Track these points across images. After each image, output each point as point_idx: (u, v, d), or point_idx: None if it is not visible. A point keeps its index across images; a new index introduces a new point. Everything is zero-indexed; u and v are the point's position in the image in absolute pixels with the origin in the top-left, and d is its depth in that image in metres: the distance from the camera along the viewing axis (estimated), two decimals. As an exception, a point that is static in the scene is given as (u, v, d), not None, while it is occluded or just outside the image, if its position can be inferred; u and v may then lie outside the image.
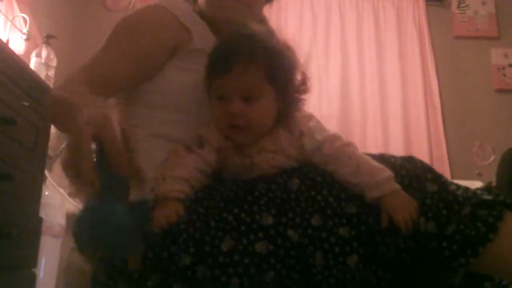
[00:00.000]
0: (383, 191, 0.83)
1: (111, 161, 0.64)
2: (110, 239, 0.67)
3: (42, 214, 1.70)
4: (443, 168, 2.84)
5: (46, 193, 1.83)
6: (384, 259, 0.80)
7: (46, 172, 1.92)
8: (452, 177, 2.77)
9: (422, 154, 2.82)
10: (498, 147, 2.76)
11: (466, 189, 0.86)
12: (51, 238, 1.85)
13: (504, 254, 0.80)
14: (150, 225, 0.80)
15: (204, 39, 1.02)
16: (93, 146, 0.65)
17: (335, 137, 0.91)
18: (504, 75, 3.10)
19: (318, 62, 2.95)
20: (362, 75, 3.06)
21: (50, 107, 0.86)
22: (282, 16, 3.14)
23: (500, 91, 3.08)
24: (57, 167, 2.44)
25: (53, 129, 2.10)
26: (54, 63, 2.30)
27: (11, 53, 1.59)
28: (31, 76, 1.65)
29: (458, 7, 3.23)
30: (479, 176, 2.84)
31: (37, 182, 1.66)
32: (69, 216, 1.94)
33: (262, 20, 1.14)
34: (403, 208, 0.81)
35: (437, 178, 0.86)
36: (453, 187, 0.86)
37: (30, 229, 1.61)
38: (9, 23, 2.24)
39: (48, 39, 2.33)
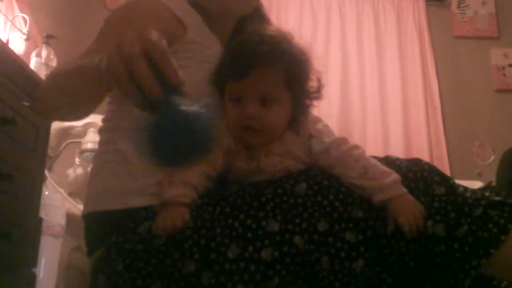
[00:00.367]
0: (389, 195, 0.83)
1: (164, 71, 0.61)
2: (188, 145, 0.62)
3: (42, 214, 1.70)
4: (443, 168, 2.84)
5: (46, 193, 1.83)
6: (388, 262, 0.80)
7: (46, 172, 1.92)
8: (452, 177, 2.76)
9: (422, 154, 2.82)
10: (498, 147, 2.76)
11: (474, 191, 0.86)
12: (51, 238, 1.85)
13: None
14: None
15: (198, 31, 1.00)
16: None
17: (342, 140, 0.91)
18: (504, 75, 3.10)
19: (318, 62, 2.94)
20: (362, 75, 3.06)
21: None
22: (282, 16, 3.14)
23: (500, 91, 3.08)
24: (57, 167, 2.44)
25: (53, 129, 2.10)
26: (54, 63, 2.30)
27: (11, 53, 1.59)
28: (31, 76, 1.65)
29: (458, 7, 3.23)
30: (479, 176, 2.84)
31: (37, 182, 1.66)
32: (69, 216, 1.94)
33: (259, 8, 1.13)
34: (408, 212, 0.81)
35: (445, 180, 0.85)
36: (461, 189, 0.85)
37: (30, 229, 1.60)
38: (9, 23, 2.24)
39: (48, 39, 2.33)
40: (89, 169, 1.63)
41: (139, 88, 0.59)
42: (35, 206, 1.65)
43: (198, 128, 0.62)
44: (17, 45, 2.28)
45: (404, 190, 0.83)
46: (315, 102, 0.97)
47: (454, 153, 2.95)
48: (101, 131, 1.03)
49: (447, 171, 2.85)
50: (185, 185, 0.87)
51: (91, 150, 2.22)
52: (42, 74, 2.16)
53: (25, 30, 2.31)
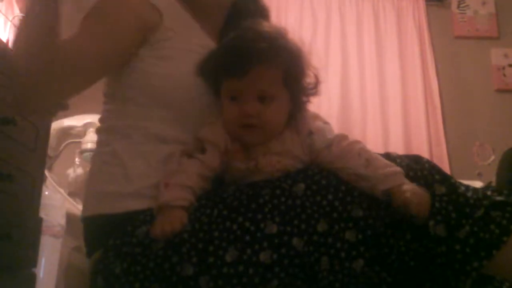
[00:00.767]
0: (394, 183, 0.81)
1: None
2: None
3: (42, 214, 1.70)
4: (443, 168, 2.82)
5: (46, 193, 1.83)
6: (388, 262, 0.79)
7: (46, 172, 1.92)
8: (452, 177, 2.76)
9: (422, 154, 2.77)
10: (498, 147, 2.76)
11: (475, 190, 0.85)
12: (51, 238, 1.85)
13: None
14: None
15: (177, 20, 0.99)
16: None
17: (343, 137, 0.91)
18: (504, 75, 3.10)
19: (316, 59, 2.94)
20: (362, 75, 3.05)
21: None
22: (282, 16, 3.14)
23: (500, 91, 3.08)
24: (57, 167, 2.44)
25: (53, 129, 2.10)
26: (54, 63, 2.29)
27: (11, 53, 1.58)
28: (31, 76, 1.65)
29: (458, 7, 3.22)
30: (479, 176, 2.83)
31: (37, 182, 1.66)
32: (69, 216, 1.94)
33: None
34: (416, 197, 0.79)
35: (446, 179, 0.84)
36: (462, 188, 0.84)
37: (30, 229, 1.60)
38: (9, 23, 2.24)
39: (48, 39, 2.32)
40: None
41: None
42: (35, 206, 1.65)
43: None
44: (17, 45, 2.27)
45: (407, 180, 0.82)
46: (313, 99, 0.96)
47: (454, 153, 2.95)
48: (97, 131, 1.03)
49: (447, 171, 2.84)
50: (182, 188, 0.86)
51: (91, 150, 2.22)
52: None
53: (25, 30, 2.31)
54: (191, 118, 0.95)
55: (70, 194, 2.22)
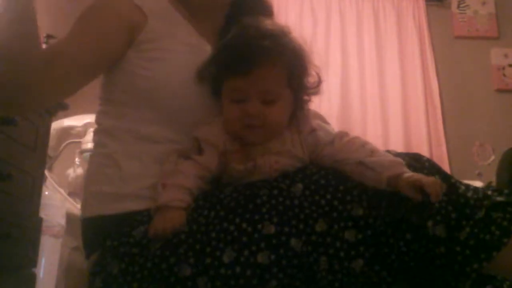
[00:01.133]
0: (400, 169, 0.81)
1: None
2: None
3: (42, 214, 1.70)
4: (443, 168, 2.83)
5: (46, 193, 1.83)
6: (388, 262, 0.79)
7: (46, 172, 1.92)
8: (452, 177, 2.76)
9: (422, 154, 2.81)
10: (498, 147, 2.76)
11: (476, 190, 0.84)
12: (51, 238, 1.85)
13: None
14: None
15: (165, 22, 0.98)
16: None
17: (345, 133, 0.91)
18: (504, 75, 3.10)
19: (318, 62, 2.94)
20: (362, 75, 3.06)
21: None
22: (282, 15, 3.14)
23: (500, 91, 3.08)
24: (57, 167, 2.44)
25: (53, 129, 2.10)
26: (54, 63, 2.30)
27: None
28: (31, 76, 1.65)
29: (458, 7, 3.23)
30: (479, 176, 2.84)
31: (37, 182, 1.66)
32: (69, 216, 1.94)
33: None
34: (427, 178, 0.78)
35: (446, 179, 0.83)
36: (462, 188, 0.83)
37: (30, 229, 1.60)
38: (9, 23, 2.24)
39: (48, 39, 2.33)
40: (89, 169, 1.62)
41: None
42: (35, 206, 1.65)
43: None
44: (17, 45, 2.28)
45: (409, 170, 0.81)
46: (313, 98, 0.96)
47: (454, 153, 2.95)
48: (94, 132, 1.03)
49: (447, 171, 2.85)
50: (180, 189, 0.85)
51: (91, 150, 2.20)
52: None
53: (25, 30, 2.31)
54: (180, 118, 0.94)
55: (70, 194, 2.22)
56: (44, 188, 1.77)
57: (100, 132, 1.00)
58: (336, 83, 2.97)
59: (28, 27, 0.84)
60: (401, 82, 3.04)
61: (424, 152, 2.86)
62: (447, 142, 2.96)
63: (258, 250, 0.78)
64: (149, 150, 0.93)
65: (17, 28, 0.83)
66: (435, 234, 0.79)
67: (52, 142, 2.12)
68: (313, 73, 0.93)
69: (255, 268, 0.77)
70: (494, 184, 2.21)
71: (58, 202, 1.94)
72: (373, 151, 0.85)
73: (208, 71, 0.93)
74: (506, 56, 3.12)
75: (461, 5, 3.23)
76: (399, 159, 0.83)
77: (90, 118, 2.25)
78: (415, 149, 2.88)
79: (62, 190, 2.13)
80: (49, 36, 2.33)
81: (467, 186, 0.85)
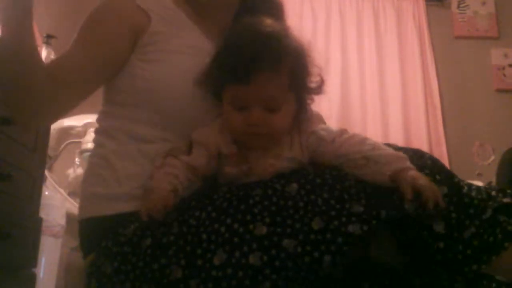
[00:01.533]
0: (403, 164, 0.79)
1: None
2: None
3: (42, 214, 1.70)
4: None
5: (46, 193, 1.83)
6: (392, 254, 0.79)
7: (46, 172, 1.92)
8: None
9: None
10: (498, 147, 2.76)
11: (479, 189, 0.83)
12: (51, 238, 1.85)
13: None
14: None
15: (168, 23, 0.97)
16: None
17: (344, 130, 0.90)
18: (504, 75, 3.10)
19: (319, 57, 2.94)
20: (362, 75, 3.06)
21: None
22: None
23: (500, 91, 3.08)
24: (57, 167, 2.44)
25: (53, 129, 2.10)
26: (54, 63, 2.29)
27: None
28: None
29: (458, 7, 3.23)
30: (479, 176, 2.83)
31: (37, 182, 1.66)
32: (69, 216, 1.94)
33: None
34: (428, 184, 0.77)
35: (448, 178, 0.82)
36: (466, 188, 0.82)
37: (30, 229, 1.60)
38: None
39: (48, 39, 2.33)
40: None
41: None
42: (35, 206, 1.65)
43: None
44: (17, 45, 2.27)
45: (413, 166, 0.80)
46: (316, 99, 0.95)
47: (454, 153, 2.95)
48: (94, 132, 1.03)
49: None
50: (167, 175, 0.85)
51: (91, 150, 2.21)
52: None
53: (25, 30, 2.30)
54: (179, 119, 0.94)
55: (70, 194, 2.22)
56: (44, 188, 1.77)
57: (98, 132, 1.00)
58: (336, 83, 2.97)
59: (26, 41, 0.84)
60: (401, 82, 3.04)
61: (424, 152, 2.87)
62: (447, 142, 2.96)
63: (249, 251, 0.76)
64: (146, 150, 0.93)
65: (16, 46, 0.84)
66: (434, 230, 0.78)
67: (52, 142, 2.12)
68: (315, 73, 0.91)
69: (247, 269, 0.76)
70: (494, 184, 2.21)
71: (58, 202, 1.94)
72: (374, 146, 0.84)
73: (209, 73, 0.91)
74: (506, 56, 3.12)
75: (461, 5, 3.22)
76: (402, 154, 0.82)
77: (90, 118, 2.25)
78: (415, 149, 2.88)
79: (62, 190, 2.13)
80: (49, 36, 2.33)
81: (470, 186, 0.84)
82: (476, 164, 2.94)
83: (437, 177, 0.81)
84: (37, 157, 1.66)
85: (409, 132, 2.97)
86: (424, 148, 2.89)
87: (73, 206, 2.04)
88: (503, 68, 3.10)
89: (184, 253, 0.79)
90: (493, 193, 0.83)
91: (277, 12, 1.08)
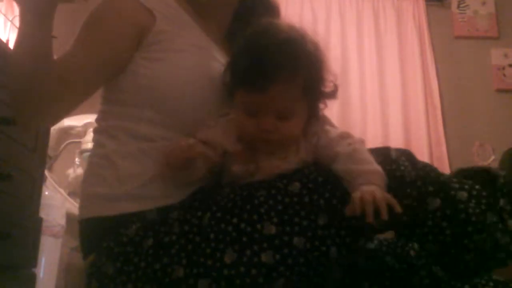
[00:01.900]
0: (367, 180, 0.79)
1: None
2: None
3: (42, 214, 1.70)
4: (443, 168, 2.83)
5: (46, 193, 1.83)
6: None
7: (46, 172, 1.92)
8: (452, 177, 2.76)
9: (422, 154, 2.82)
10: (498, 147, 2.76)
11: (479, 200, 0.81)
12: (51, 238, 1.85)
13: None
14: None
15: (172, 22, 0.97)
16: None
17: (346, 134, 0.91)
18: (504, 75, 3.10)
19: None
20: (362, 75, 3.05)
21: None
22: (281, 15, 3.13)
23: (500, 91, 3.08)
24: (57, 167, 2.44)
25: (53, 129, 2.10)
26: (54, 63, 2.29)
27: (11, 53, 1.58)
28: (31, 76, 1.65)
29: (458, 7, 3.22)
30: (479, 176, 2.83)
31: (37, 182, 1.66)
32: (69, 216, 1.94)
33: None
34: (368, 192, 0.76)
35: (442, 190, 0.81)
36: (461, 198, 0.81)
37: (30, 229, 1.61)
38: (9, 23, 2.24)
39: (48, 39, 2.32)
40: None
41: None
42: (35, 206, 1.65)
43: None
44: (17, 45, 2.27)
45: (380, 183, 0.80)
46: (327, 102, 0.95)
47: (454, 153, 2.95)
48: (93, 132, 1.03)
49: (447, 171, 2.84)
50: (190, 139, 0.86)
51: (90, 150, 2.21)
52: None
53: (25, 30, 2.30)
54: (182, 118, 0.93)
55: (70, 194, 2.22)
56: (44, 188, 1.78)
57: (98, 132, 0.99)
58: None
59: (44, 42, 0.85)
60: (401, 82, 3.04)
61: (424, 152, 2.87)
62: (447, 142, 2.96)
63: (260, 250, 0.78)
64: (147, 149, 0.92)
65: (31, 44, 0.84)
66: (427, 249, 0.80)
67: (52, 142, 2.12)
68: (329, 79, 0.92)
69: (260, 267, 0.77)
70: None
71: (58, 202, 1.95)
72: (355, 151, 0.85)
73: (223, 75, 0.92)
74: (506, 56, 3.12)
75: (461, 5, 3.22)
76: (375, 169, 0.81)
77: (90, 118, 2.25)
78: (415, 149, 2.87)
79: (62, 190, 2.13)
80: (49, 36, 2.33)
81: (469, 195, 0.82)
82: (476, 164, 2.94)
83: (430, 188, 0.81)
84: (37, 157, 1.66)
85: (409, 132, 2.97)
86: (424, 148, 2.89)
87: (73, 206, 2.05)
88: (503, 68, 3.10)
89: (185, 252, 0.79)
90: (491, 200, 0.82)
91: (274, 14, 1.11)
